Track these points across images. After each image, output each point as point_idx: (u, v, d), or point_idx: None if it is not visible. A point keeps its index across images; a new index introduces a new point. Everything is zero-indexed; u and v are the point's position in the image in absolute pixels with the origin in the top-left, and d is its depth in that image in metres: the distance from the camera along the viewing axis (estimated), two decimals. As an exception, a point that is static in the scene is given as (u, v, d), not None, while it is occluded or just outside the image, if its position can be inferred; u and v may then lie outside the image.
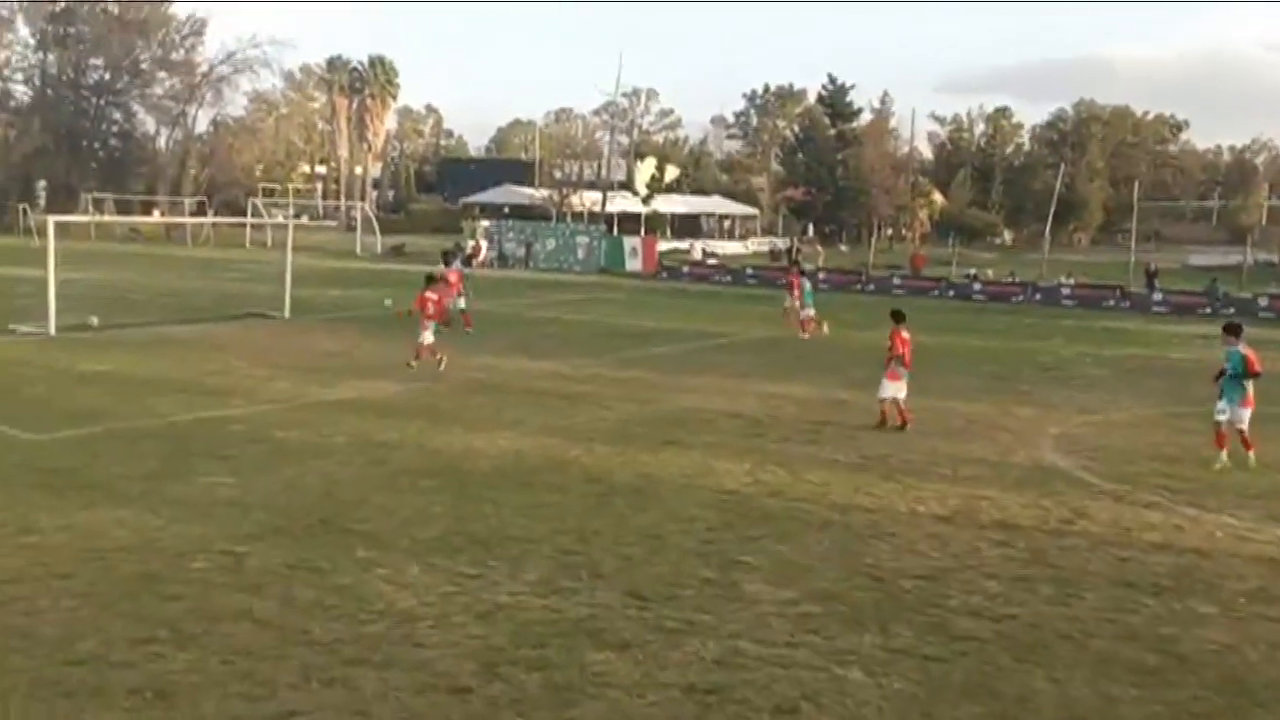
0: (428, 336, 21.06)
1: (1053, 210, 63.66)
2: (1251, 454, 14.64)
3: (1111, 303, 43.52)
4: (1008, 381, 22.57)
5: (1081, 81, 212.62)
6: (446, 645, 8.08)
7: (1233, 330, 15.37)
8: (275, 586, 9.17)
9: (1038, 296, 45.11)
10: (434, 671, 7.63)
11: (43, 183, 78.84)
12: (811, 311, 29.36)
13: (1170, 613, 9.35)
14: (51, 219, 29.07)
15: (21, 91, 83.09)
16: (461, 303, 27.78)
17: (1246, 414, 14.74)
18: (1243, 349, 14.89)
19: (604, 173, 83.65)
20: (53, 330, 24.60)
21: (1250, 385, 14.77)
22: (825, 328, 29.23)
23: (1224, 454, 14.70)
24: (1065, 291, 45.20)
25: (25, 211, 67.82)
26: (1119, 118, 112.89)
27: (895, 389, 16.85)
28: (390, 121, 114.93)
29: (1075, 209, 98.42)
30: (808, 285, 30.24)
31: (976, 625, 8.88)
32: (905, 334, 17.25)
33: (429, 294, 21.34)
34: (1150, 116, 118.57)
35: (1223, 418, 14.78)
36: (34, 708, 6.90)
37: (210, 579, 9.32)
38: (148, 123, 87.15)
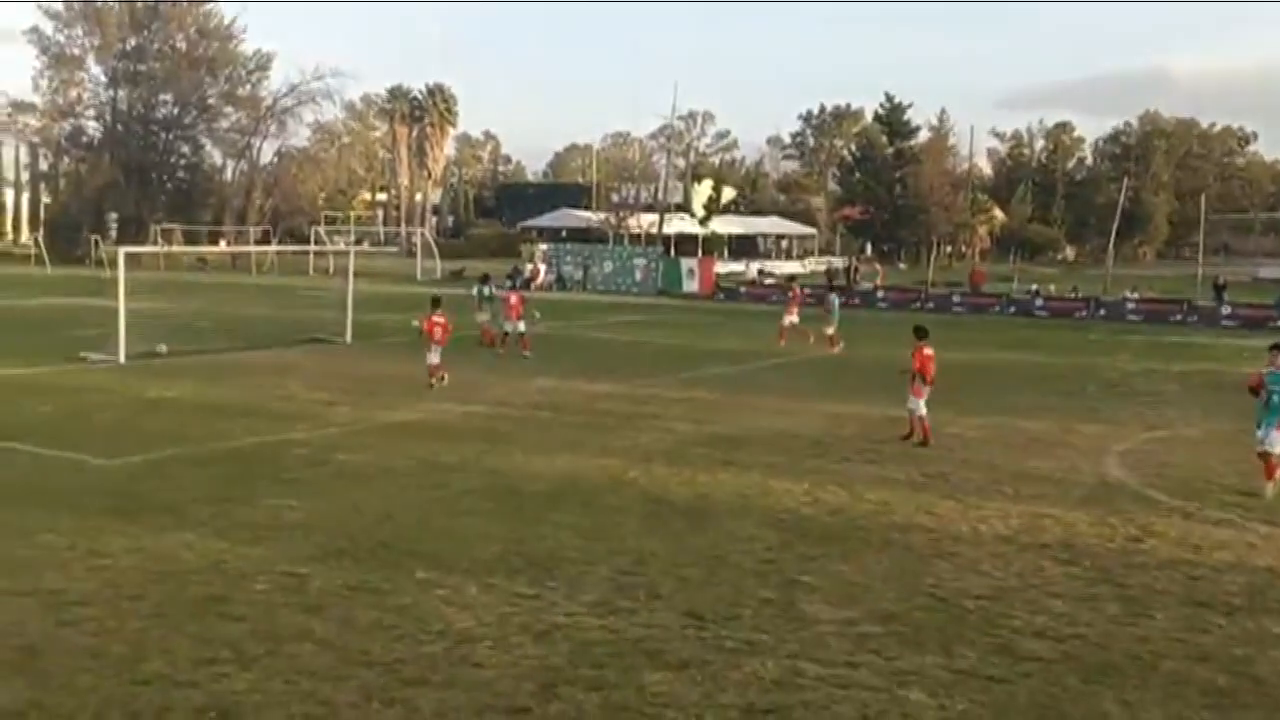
0: (434, 357, 21.93)
1: (1116, 224, 62.68)
2: (1271, 484, 13.69)
3: (1179, 317, 42.70)
4: (1072, 398, 22.22)
5: (1145, 94, 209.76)
6: (505, 665, 8.10)
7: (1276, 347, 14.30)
8: (336, 608, 9.27)
9: (1102, 312, 44.40)
10: (493, 691, 7.66)
11: (113, 215, 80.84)
12: (831, 330, 30.00)
13: (1243, 633, 9.11)
14: (122, 250, 29.79)
15: (94, 128, 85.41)
16: (521, 326, 28.01)
17: None
18: None
19: (661, 195, 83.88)
20: (123, 358, 25.15)
21: None
22: (839, 346, 29.58)
23: (1271, 485, 13.76)
24: (1131, 306, 44.46)
25: (97, 243, 69.64)
26: (1184, 129, 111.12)
27: (921, 404, 16.98)
28: (449, 148, 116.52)
29: (1140, 223, 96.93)
30: (836, 303, 31.12)
31: (1042, 646, 8.71)
32: (928, 350, 17.30)
33: (435, 318, 22.18)
34: (1217, 128, 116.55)
35: (1261, 448, 13.93)
36: (103, 726, 7.03)
37: (273, 600, 9.45)
38: (214, 155, 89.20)
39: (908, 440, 16.87)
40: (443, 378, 21.67)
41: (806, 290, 45.34)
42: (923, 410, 16.97)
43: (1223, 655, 8.55)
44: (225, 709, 7.31)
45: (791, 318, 31.21)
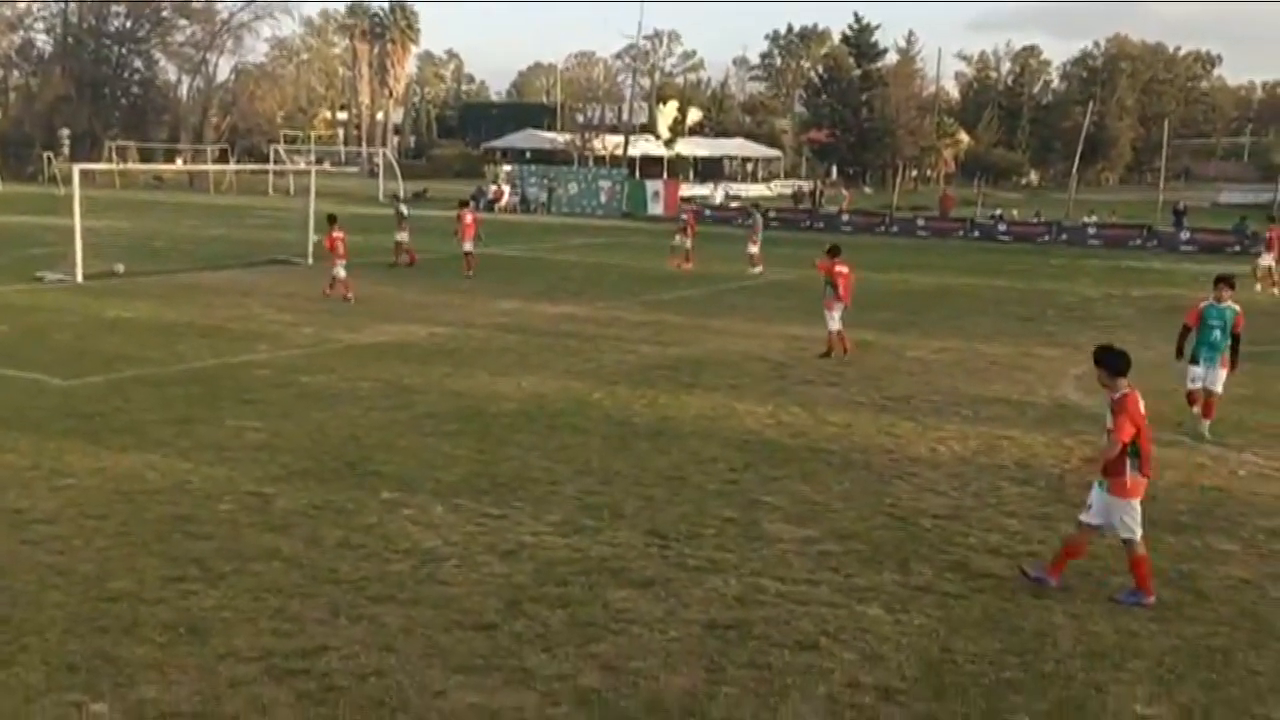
0: (340, 271, 23.10)
1: (1080, 149, 62.82)
2: (1208, 423, 13.24)
3: (1139, 242, 43.09)
4: (1032, 323, 22.47)
5: (1115, 17, 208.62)
6: (471, 583, 8.21)
7: (1229, 283, 13.50)
8: (302, 527, 9.33)
9: (1064, 237, 44.72)
10: (459, 609, 7.77)
11: (65, 131, 78.98)
12: (755, 249, 30.34)
13: (1190, 549, 9.39)
14: (76, 167, 29.25)
15: (43, 41, 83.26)
16: (468, 246, 27.85)
17: (1224, 376, 13.33)
18: (1237, 306, 13.37)
19: (626, 116, 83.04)
20: (79, 278, 24.81)
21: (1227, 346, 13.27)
22: (760, 269, 29.86)
23: (1206, 422, 13.25)
24: (1091, 231, 44.79)
25: (49, 160, 68.11)
26: (1150, 54, 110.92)
27: (836, 319, 17.73)
28: (411, 67, 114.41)
29: (1103, 147, 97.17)
30: (760, 222, 31.81)
31: (996, 563, 8.94)
32: (841, 267, 17.93)
33: (335, 234, 23.24)
34: (1183, 53, 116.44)
35: (1196, 385, 13.38)
36: (71, 641, 7.08)
37: (239, 519, 9.49)
38: (169, 70, 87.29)
39: (826, 357, 17.49)
40: (348, 298, 22.45)
41: (771, 214, 45.31)
42: (837, 324, 17.69)
43: (1169, 570, 8.80)
44: (194, 625, 7.37)
45: (686, 241, 31.22)
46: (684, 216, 32.76)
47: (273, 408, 13.52)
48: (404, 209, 31.60)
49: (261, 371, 15.73)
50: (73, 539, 8.90)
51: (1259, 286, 27.75)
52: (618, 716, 6.41)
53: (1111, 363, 8.38)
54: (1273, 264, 28.64)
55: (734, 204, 59.12)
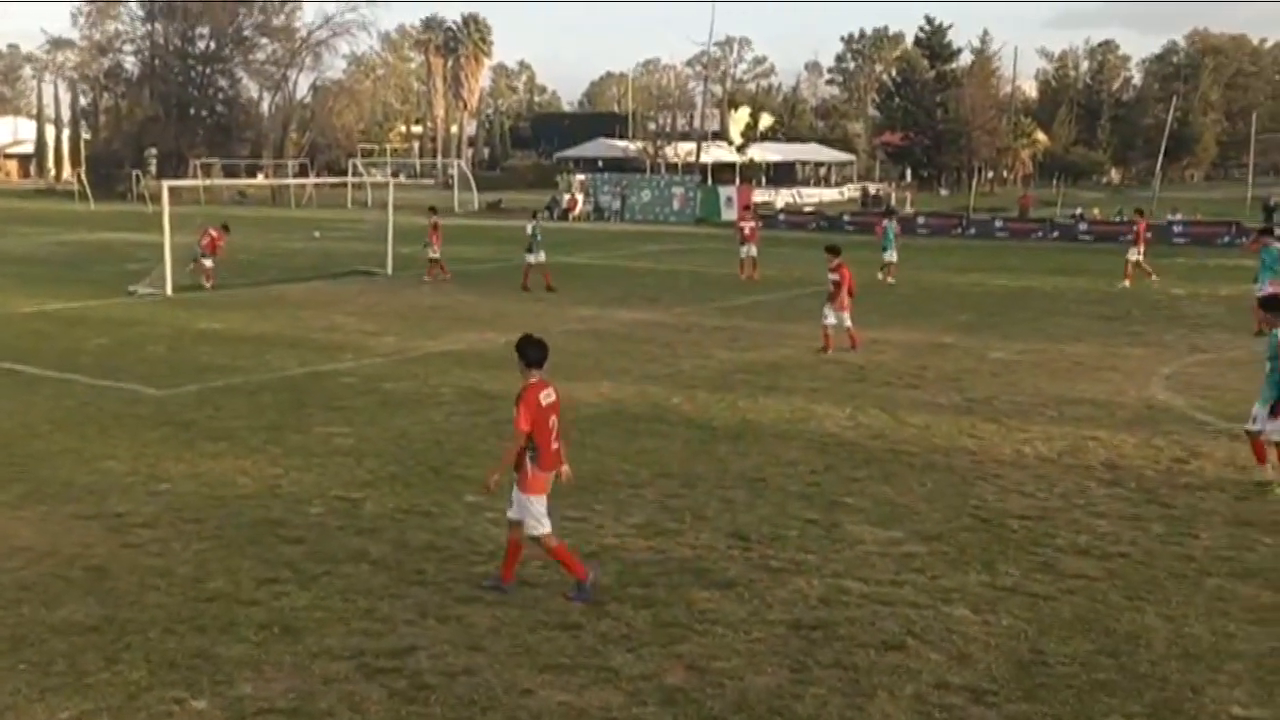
0: (208, 264, 27.09)
1: (1164, 146, 61.36)
2: (1268, 467, 10.84)
3: (1226, 239, 41.91)
4: (1117, 322, 22.02)
5: (1194, 10, 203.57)
6: (555, 584, 8.29)
7: (1274, 307, 11.04)
8: (390, 530, 9.50)
9: (1148, 235, 43.60)
10: (545, 609, 7.85)
11: (153, 150, 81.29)
12: (890, 256, 29.10)
13: (1289, 551, 9.12)
14: (165, 184, 30.09)
15: (132, 63, 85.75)
16: (434, 253, 28.37)
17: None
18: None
19: (698, 123, 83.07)
20: (169, 291, 25.52)
21: None
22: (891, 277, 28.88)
23: (1267, 468, 10.86)
24: (1177, 229, 43.68)
25: (138, 179, 70.13)
26: (1235, 47, 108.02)
27: (846, 316, 18.23)
28: (484, 79, 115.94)
29: (1188, 144, 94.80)
30: (892, 229, 30.07)
31: (1086, 564, 8.78)
32: (845, 268, 18.51)
33: (213, 231, 27.54)
34: (1269, 44, 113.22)
35: (1255, 426, 10.86)
36: (171, 640, 7.30)
37: (328, 523, 9.70)
38: (251, 88, 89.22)
39: (826, 353, 17.89)
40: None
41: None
42: (848, 321, 18.23)
43: (1268, 572, 8.58)
44: (288, 624, 7.56)
45: (752, 251, 29.88)
46: (746, 226, 31.70)
47: (358, 414, 13.78)
48: (532, 227, 27.88)
49: (347, 379, 16.05)
50: (171, 542, 9.17)
51: (1126, 283, 27.88)
52: (704, 716, 6.42)
53: (523, 353, 8.15)
54: (1140, 258, 28.67)
55: (807, 209, 58.74)
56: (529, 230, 27.77)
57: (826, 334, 18.22)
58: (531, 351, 8.16)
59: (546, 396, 8.07)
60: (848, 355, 17.90)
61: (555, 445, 8.10)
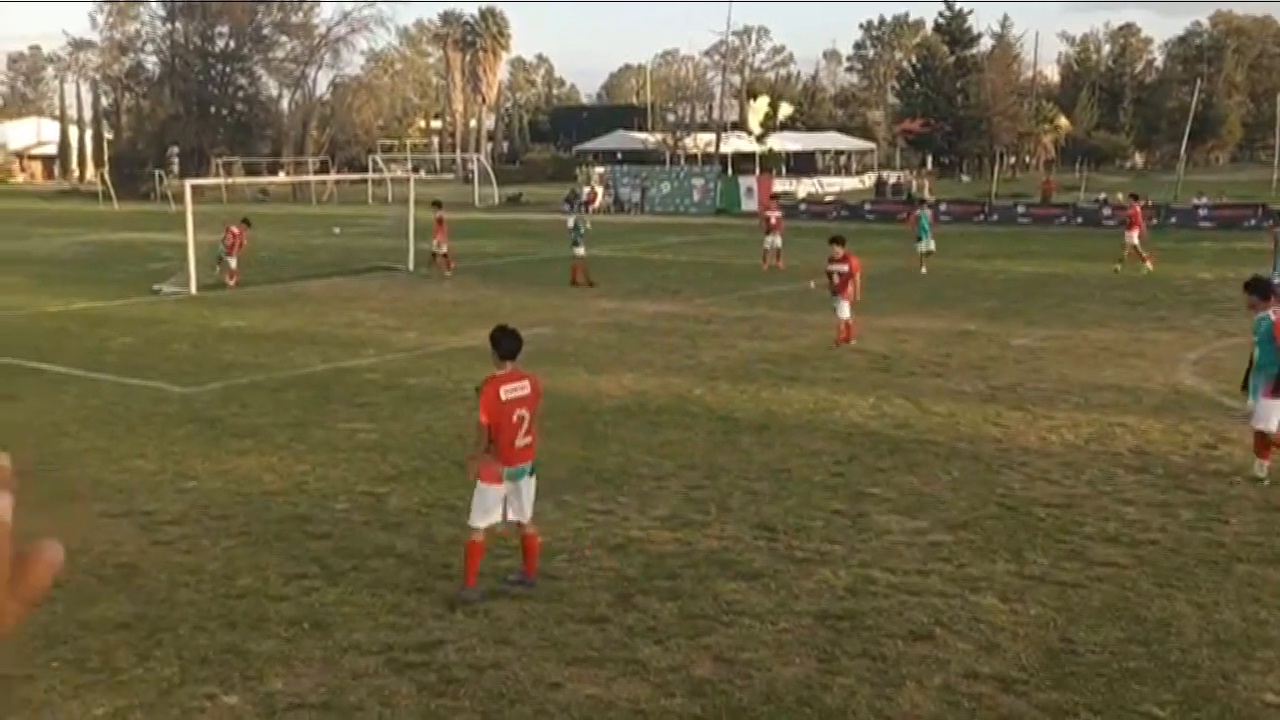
0: (233, 263, 26.90)
1: (1188, 129, 60.78)
2: (1266, 463, 10.49)
3: (1253, 222, 41.49)
4: (1142, 307, 21.85)
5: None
6: (582, 578, 8.31)
7: (1259, 289, 10.80)
8: (415, 525, 9.54)
9: (1173, 220, 43.26)
10: (571, 602, 7.87)
11: (175, 149, 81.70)
12: (926, 245, 28.81)
13: (1321, 536, 9.04)
14: (188, 183, 30.28)
15: (152, 63, 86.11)
16: (444, 248, 28.10)
17: (1275, 410, 10.35)
18: (1274, 315, 10.41)
19: (717, 113, 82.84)
20: (193, 289, 25.68)
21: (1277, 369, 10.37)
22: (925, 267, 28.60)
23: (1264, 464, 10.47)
24: (1203, 213, 43.28)
25: (161, 178, 70.56)
26: (1260, 28, 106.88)
27: (847, 307, 17.89)
28: (503, 73, 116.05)
29: (1212, 126, 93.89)
30: (926, 218, 29.78)
31: (1115, 551, 8.73)
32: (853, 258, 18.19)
33: (234, 229, 27.14)
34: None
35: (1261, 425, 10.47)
36: (202, 636, 7.36)
37: (354, 518, 9.75)
38: (271, 86, 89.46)
39: (846, 343, 17.64)
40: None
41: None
42: (847, 312, 17.90)
43: (1299, 559, 8.51)
44: (317, 620, 7.60)
45: (776, 241, 30.02)
46: (770, 216, 31.78)
47: (382, 410, 13.84)
48: (575, 220, 28.04)
49: (370, 375, 16.12)
50: (200, 539, 9.24)
51: (1119, 266, 27.76)
52: (732, 707, 6.43)
53: (496, 344, 8.02)
54: (1138, 242, 28.43)
55: (828, 198, 58.48)
56: (571, 223, 27.79)
57: (845, 325, 18.00)
58: (505, 343, 7.99)
59: (512, 390, 7.84)
60: (869, 344, 17.84)
61: (525, 440, 7.89)
